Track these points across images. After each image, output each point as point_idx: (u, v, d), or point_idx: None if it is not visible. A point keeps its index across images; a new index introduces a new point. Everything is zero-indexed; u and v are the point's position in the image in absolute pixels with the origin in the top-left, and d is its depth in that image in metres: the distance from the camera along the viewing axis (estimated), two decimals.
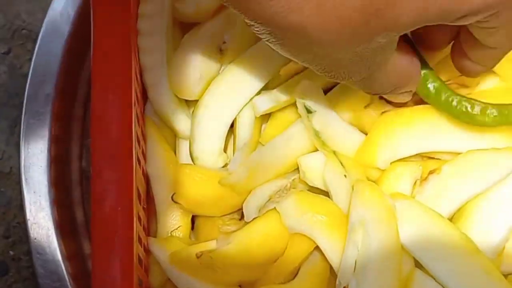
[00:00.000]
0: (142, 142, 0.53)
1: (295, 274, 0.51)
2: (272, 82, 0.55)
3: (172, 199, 0.53)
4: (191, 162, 0.55)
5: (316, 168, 0.52)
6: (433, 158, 0.52)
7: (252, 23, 0.36)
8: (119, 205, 0.42)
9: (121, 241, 0.42)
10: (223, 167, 0.55)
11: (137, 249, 0.44)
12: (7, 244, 0.64)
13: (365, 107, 0.53)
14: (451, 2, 0.36)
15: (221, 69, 0.56)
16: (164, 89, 0.56)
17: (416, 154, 0.51)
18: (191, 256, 0.49)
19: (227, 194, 0.53)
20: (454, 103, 0.48)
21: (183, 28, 0.58)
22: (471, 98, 0.49)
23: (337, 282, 0.48)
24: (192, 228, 0.55)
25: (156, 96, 0.56)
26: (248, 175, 0.52)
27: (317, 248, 0.50)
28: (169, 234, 0.54)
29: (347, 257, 0.47)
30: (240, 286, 0.52)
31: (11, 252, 0.64)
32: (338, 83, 0.54)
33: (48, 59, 0.59)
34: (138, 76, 0.54)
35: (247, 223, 0.52)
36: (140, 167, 0.50)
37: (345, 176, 0.50)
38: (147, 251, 0.52)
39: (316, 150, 0.53)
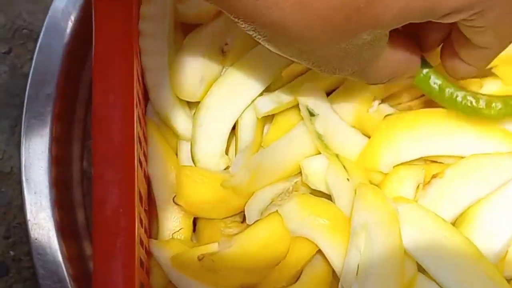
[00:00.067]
0: (143, 144, 0.53)
1: (297, 277, 0.51)
2: (274, 84, 0.55)
3: (174, 201, 0.53)
4: (192, 164, 0.55)
5: (318, 171, 0.52)
6: (436, 162, 0.52)
7: (236, 20, 0.37)
8: (120, 207, 0.42)
9: (123, 243, 0.42)
10: (224, 169, 0.55)
11: (139, 252, 0.44)
12: (8, 244, 0.64)
13: (368, 110, 0.53)
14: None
15: (223, 70, 0.56)
16: (165, 90, 0.55)
17: (419, 158, 0.51)
18: (193, 259, 0.49)
19: (229, 197, 0.53)
20: (459, 98, 0.48)
21: (185, 29, 0.58)
22: (475, 92, 0.49)
23: (339, 286, 0.47)
24: (194, 230, 0.55)
25: (158, 98, 0.56)
26: (250, 178, 0.52)
27: (319, 251, 0.50)
28: (171, 236, 0.53)
29: (350, 261, 0.47)
30: None
31: (12, 253, 0.64)
32: (340, 86, 0.54)
33: (49, 59, 0.59)
34: (140, 77, 0.53)
35: (249, 225, 0.52)
36: (141, 169, 0.50)
37: (347, 179, 0.50)
38: (149, 253, 0.51)
39: (319, 153, 0.52)
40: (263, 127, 0.56)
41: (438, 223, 0.48)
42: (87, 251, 0.59)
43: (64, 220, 0.57)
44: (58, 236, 0.55)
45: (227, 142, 0.55)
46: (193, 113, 0.56)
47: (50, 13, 0.59)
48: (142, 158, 0.51)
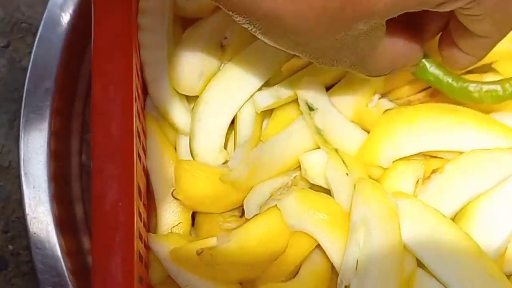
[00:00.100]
0: (142, 138, 0.53)
1: (296, 272, 0.51)
2: (274, 78, 0.55)
3: (172, 195, 0.53)
4: (191, 158, 0.55)
5: (317, 166, 0.52)
6: (435, 157, 0.52)
7: (231, 14, 0.37)
8: (120, 201, 0.42)
9: (122, 237, 0.42)
10: (223, 163, 0.55)
11: (138, 246, 0.44)
12: (6, 238, 0.64)
13: (367, 105, 0.53)
14: None
15: (222, 65, 0.56)
16: (164, 84, 0.55)
17: (419, 153, 0.51)
18: (192, 253, 0.49)
19: (228, 191, 0.53)
20: (457, 85, 0.48)
21: (184, 23, 0.58)
22: (473, 81, 0.49)
23: (338, 281, 0.47)
24: (193, 224, 0.55)
25: (157, 92, 0.56)
26: (249, 172, 0.52)
27: (318, 246, 0.50)
28: (169, 231, 0.53)
29: (349, 256, 0.47)
30: (240, 283, 0.52)
31: (10, 247, 0.64)
32: (340, 80, 0.54)
33: (48, 53, 0.58)
34: (139, 71, 0.53)
35: (247, 220, 0.52)
36: (140, 163, 0.50)
37: (347, 174, 0.50)
38: (147, 247, 0.51)
39: (318, 147, 0.52)
40: (262, 121, 0.56)
41: (438, 218, 0.48)
42: (85, 245, 0.59)
43: (63, 214, 0.57)
44: (56, 230, 0.55)
45: (226, 136, 0.55)
46: (192, 107, 0.56)
47: (48, 6, 0.59)
48: (141, 152, 0.51)
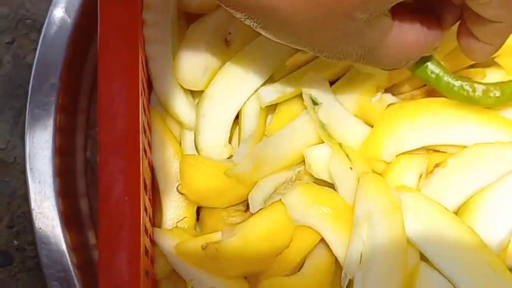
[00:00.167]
0: (147, 133, 0.53)
1: (300, 266, 0.51)
2: (278, 73, 0.55)
3: (177, 190, 0.53)
4: (196, 153, 0.55)
5: (321, 160, 0.52)
6: (438, 151, 0.52)
7: (229, 9, 0.37)
8: (126, 195, 0.42)
9: (128, 232, 0.42)
10: (228, 158, 0.55)
11: (144, 240, 0.44)
12: (11, 234, 0.64)
13: (371, 99, 0.53)
14: None
15: (226, 60, 0.56)
16: (169, 79, 0.56)
17: (422, 147, 0.52)
18: (196, 248, 0.49)
19: (232, 186, 0.53)
20: (455, 87, 0.48)
21: (189, 19, 0.58)
22: (472, 81, 0.49)
23: (342, 275, 0.48)
24: (197, 219, 0.55)
25: (161, 87, 0.56)
26: (253, 167, 0.52)
27: (322, 240, 0.50)
28: (174, 225, 0.54)
29: (353, 250, 0.47)
30: (245, 278, 0.52)
31: (16, 242, 0.64)
32: (344, 75, 0.54)
33: (52, 49, 0.59)
34: (144, 66, 0.53)
35: (252, 214, 0.52)
36: (146, 158, 0.50)
37: (350, 168, 0.50)
38: (152, 241, 0.52)
39: (322, 142, 0.53)
40: (266, 116, 0.56)
41: (441, 212, 0.48)
42: (91, 240, 0.59)
43: (68, 209, 0.57)
44: (62, 225, 0.56)
45: (231, 131, 0.56)
46: (196, 102, 0.56)
47: (53, 3, 0.59)
48: (147, 147, 0.51)
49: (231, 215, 0.54)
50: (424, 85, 0.55)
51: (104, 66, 0.45)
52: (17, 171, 0.65)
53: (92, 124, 0.62)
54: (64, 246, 0.55)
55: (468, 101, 0.49)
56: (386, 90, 0.54)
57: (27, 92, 0.57)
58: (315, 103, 0.51)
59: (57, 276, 0.54)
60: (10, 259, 0.64)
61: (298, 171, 0.54)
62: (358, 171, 0.50)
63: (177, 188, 0.53)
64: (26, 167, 0.56)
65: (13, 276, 0.64)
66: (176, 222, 0.54)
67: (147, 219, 0.49)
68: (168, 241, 0.51)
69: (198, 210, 0.55)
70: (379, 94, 0.53)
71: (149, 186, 0.52)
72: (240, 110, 0.55)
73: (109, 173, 0.43)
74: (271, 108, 0.56)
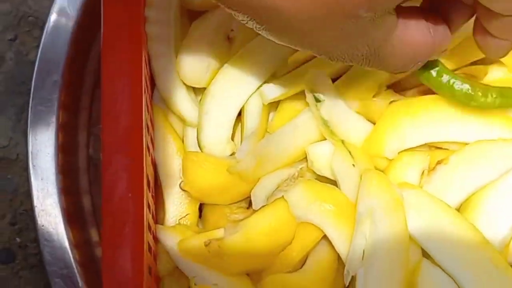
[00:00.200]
0: (150, 130, 0.53)
1: (302, 263, 0.52)
2: (280, 70, 0.55)
3: (180, 187, 0.54)
4: (198, 150, 0.55)
5: (324, 157, 0.52)
6: (441, 148, 0.52)
7: (231, 11, 0.37)
8: (129, 192, 0.42)
9: (132, 229, 0.42)
10: (230, 155, 0.55)
11: (147, 237, 0.44)
12: (14, 231, 0.64)
13: (373, 96, 0.53)
14: None
15: (229, 57, 0.56)
16: (172, 76, 0.56)
17: (424, 144, 0.52)
18: (199, 245, 0.49)
19: (235, 182, 0.53)
20: (456, 86, 0.48)
21: (191, 16, 0.58)
22: (472, 81, 0.49)
23: (345, 272, 0.48)
24: (200, 216, 0.56)
25: (164, 84, 0.56)
26: (256, 164, 0.52)
27: (325, 237, 0.50)
28: (177, 222, 0.54)
29: (355, 247, 0.47)
30: (247, 274, 0.52)
31: (18, 239, 0.64)
32: (346, 72, 0.54)
33: (55, 47, 0.59)
34: (147, 64, 0.53)
35: (255, 211, 0.52)
36: (149, 154, 0.50)
37: (353, 165, 0.50)
38: (155, 238, 0.52)
39: (324, 139, 0.53)
40: (269, 113, 0.56)
41: (443, 209, 0.48)
42: (93, 237, 0.59)
43: (71, 206, 0.57)
44: (64, 222, 0.56)
45: (233, 128, 0.56)
46: (199, 99, 0.56)
47: (55, 0, 0.59)
48: (149, 144, 0.51)
49: (234, 212, 0.54)
50: None
51: (107, 64, 0.45)
52: (19, 168, 0.65)
53: (94, 121, 0.62)
54: (66, 243, 0.55)
55: (466, 100, 0.49)
56: (389, 87, 0.54)
57: (30, 89, 0.58)
58: (317, 100, 0.51)
59: (60, 273, 0.55)
60: (13, 256, 0.64)
61: (301, 168, 0.54)
62: (361, 168, 0.50)
63: (179, 185, 0.54)
64: (28, 164, 0.56)
65: (15, 273, 0.64)
66: (179, 219, 0.54)
67: (150, 216, 0.49)
68: (171, 238, 0.51)
69: (201, 207, 0.56)
70: (381, 91, 0.53)
71: (152, 183, 0.52)
72: (243, 107, 0.55)
73: (112, 170, 0.43)
74: (273, 105, 0.56)
